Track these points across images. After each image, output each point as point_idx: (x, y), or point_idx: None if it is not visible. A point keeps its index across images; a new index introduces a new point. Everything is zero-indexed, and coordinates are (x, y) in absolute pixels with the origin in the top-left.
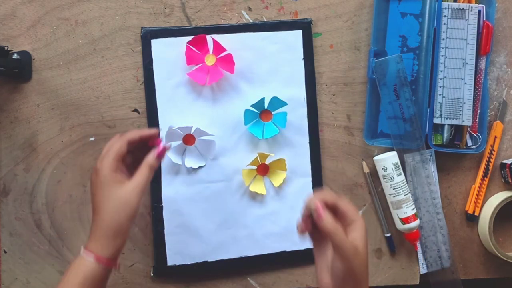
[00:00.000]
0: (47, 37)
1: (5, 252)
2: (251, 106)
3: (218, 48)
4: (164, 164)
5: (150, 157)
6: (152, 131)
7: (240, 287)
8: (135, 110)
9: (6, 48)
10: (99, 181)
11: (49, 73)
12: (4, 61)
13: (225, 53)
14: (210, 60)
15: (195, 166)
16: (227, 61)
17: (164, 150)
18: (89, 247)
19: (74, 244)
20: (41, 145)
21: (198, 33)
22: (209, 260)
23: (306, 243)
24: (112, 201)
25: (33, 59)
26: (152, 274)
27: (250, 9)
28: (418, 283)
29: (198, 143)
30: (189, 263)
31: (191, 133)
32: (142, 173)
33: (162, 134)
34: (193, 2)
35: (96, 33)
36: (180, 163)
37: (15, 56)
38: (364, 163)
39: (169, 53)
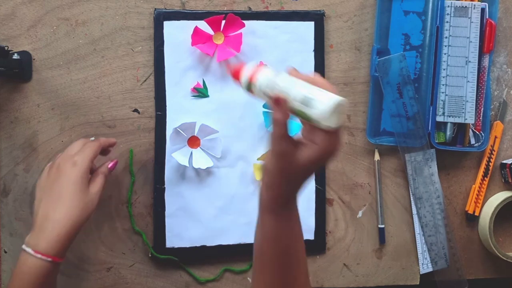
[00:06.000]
0: (47, 37)
1: (5, 252)
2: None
3: (233, 24)
4: (168, 147)
5: (105, 168)
6: (112, 140)
7: (240, 287)
8: (135, 110)
9: (6, 48)
10: (76, 174)
11: (49, 73)
12: (4, 61)
13: (236, 32)
14: (218, 38)
15: (203, 167)
16: (236, 40)
17: (116, 164)
18: (40, 249)
19: (73, 244)
20: (41, 145)
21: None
22: (207, 245)
23: (305, 234)
24: (82, 199)
25: (33, 59)
26: (150, 255)
27: (250, 9)
28: (418, 283)
29: (204, 144)
30: (187, 246)
31: (195, 134)
32: (101, 180)
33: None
34: (193, 2)
35: (96, 33)
36: (188, 165)
37: (15, 56)
38: (376, 151)
39: (181, 36)
